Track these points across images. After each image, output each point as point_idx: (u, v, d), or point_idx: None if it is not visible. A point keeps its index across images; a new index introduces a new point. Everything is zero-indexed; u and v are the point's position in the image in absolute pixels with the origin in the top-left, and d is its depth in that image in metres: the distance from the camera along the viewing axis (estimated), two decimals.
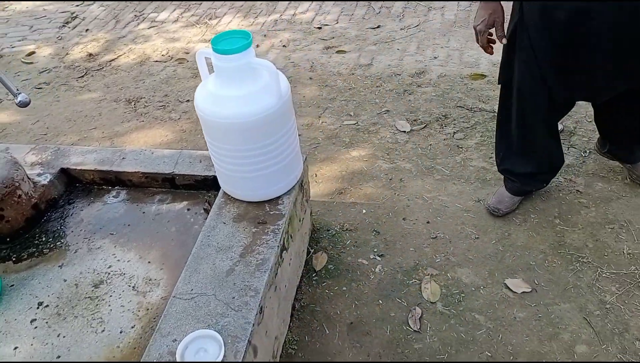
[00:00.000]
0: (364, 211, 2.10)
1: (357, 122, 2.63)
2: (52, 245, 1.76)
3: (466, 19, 3.52)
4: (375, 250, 1.92)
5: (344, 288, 1.79)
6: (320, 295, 1.77)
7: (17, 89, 1.49)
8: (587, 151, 2.28)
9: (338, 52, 3.31)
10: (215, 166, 1.68)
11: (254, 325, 1.33)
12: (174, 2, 4.22)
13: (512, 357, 1.54)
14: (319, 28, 3.63)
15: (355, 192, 2.20)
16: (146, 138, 2.66)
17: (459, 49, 3.19)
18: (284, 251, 1.62)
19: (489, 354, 1.55)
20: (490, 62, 3.01)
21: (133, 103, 2.99)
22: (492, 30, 1.65)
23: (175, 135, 2.68)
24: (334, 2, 3.96)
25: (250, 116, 1.44)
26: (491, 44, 1.69)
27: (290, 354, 1.62)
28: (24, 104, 1.49)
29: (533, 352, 1.54)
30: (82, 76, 3.33)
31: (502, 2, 1.61)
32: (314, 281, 1.82)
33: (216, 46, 1.42)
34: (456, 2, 3.77)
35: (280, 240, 1.56)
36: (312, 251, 1.92)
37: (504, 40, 1.64)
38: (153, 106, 2.94)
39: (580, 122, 2.47)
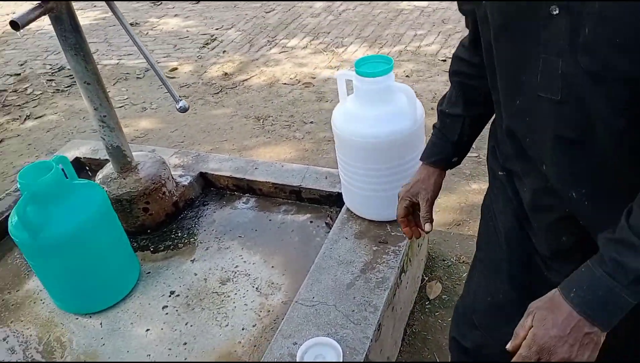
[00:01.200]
0: None
1: (478, 155, 2.61)
2: (186, 241, 1.92)
3: None
4: None
5: None
6: (433, 324, 1.76)
7: (179, 97, 1.67)
8: None
9: None
10: (342, 182, 1.75)
11: (372, 340, 1.36)
12: (304, 31, 4.46)
13: None
14: (444, 61, 3.66)
15: (474, 225, 2.17)
16: (272, 154, 2.83)
17: None
18: (403, 274, 1.64)
19: None
20: None
21: (261, 121, 3.19)
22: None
23: (298, 153, 2.81)
24: (459, 36, 3.97)
25: (386, 136, 1.51)
26: (410, 224, 1.24)
27: None
28: (183, 110, 1.67)
29: None
30: (217, 93, 3.62)
31: (439, 178, 1.22)
32: (426, 309, 1.82)
33: (359, 69, 1.51)
34: None
35: (401, 261, 1.59)
36: (426, 279, 1.92)
37: (427, 227, 1.19)
38: (279, 124, 3.12)
39: None
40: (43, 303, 1.75)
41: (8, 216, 1.64)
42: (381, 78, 1.49)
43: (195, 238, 1.93)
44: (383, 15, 4.53)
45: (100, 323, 1.64)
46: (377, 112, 1.52)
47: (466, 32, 1.13)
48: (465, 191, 2.37)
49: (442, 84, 3.34)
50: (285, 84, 3.61)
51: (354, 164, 1.62)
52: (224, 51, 4.27)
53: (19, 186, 1.44)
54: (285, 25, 4.60)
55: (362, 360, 1.30)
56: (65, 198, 1.50)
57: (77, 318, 1.67)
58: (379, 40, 4.09)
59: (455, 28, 4.11)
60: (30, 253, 1.55)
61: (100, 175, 1.92)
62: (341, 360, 1.28)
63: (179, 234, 1.95)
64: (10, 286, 1.85)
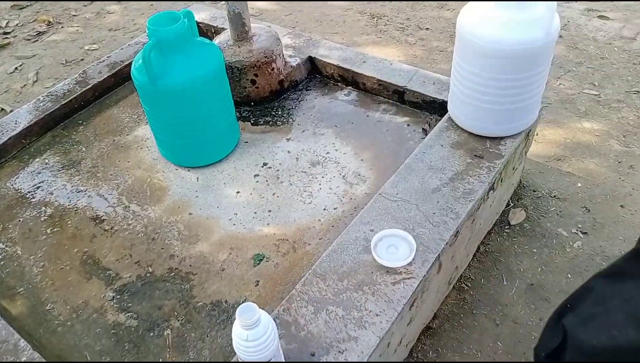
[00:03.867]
0: (579, 184, 1.97)
1: (599, 94, 2.42)
2: (285, 120, 1.99)
3: None
4: (579, 226, 1.82)
5: (535, 250, 1.75)
6: (508, 247, 1.76)
7: None
8: None
9: (600, 17, 3.00)
10: (452, 88, 1.69)
11: (447, 243, 1.39)
12: None
13: None
14: None
15: (575, 163, 2.07)
16: (380, 54, 2.77)
17: None
18: (491, 191, 1.62)
19: None
20: None
21: (376, 19, 3.11)
22: None
23: (407, 58, 2.74)
24: None
25: (515, 45, 1.41)
26: None
27: (462, 289, 1.66)
28: None
29: None
30: None
31: None
32: (505, 233, 1.81)
33: None
34: None
35: (492, 178, 1.57)
36: (512, 205, 1.89)
37: None
38: (393, 25, 3.02)
39: None
40: (149, 149, 1.92)
41: (131, 63, 1.76)
42: None
43: (294, 119, 1.99)
44: None
45: (197, 178, 1.79)
46: (509, 15, 1.42)
47: None
48: (575, 128, 2.24)
49: (578, 12, 3.05)
50: None
51: (471, 70, 1.55)
52: None
53: (147, 31, 1.54)
54: None
55: (433, 258, 1.34)
56: (186, 51, 1.59)
57: (176, 169, 1.83)
58: None
59: None
60: (147, 98, 1.67)
61: (217, 40, 1.99)
62: (413, 254, 1.33)
63: (279, 112, 2.02)
64: (122, 129, 2.03)
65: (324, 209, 1.65)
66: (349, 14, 3.19)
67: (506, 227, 1.82)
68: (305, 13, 3.23)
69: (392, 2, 3.27)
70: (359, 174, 1.74)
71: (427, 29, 2.96)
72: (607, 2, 3.12)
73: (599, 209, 1.87)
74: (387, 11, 3.17)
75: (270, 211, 1.66)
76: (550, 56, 1.52)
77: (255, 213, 1.66)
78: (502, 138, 1.67)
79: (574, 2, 3.14)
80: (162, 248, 1.57)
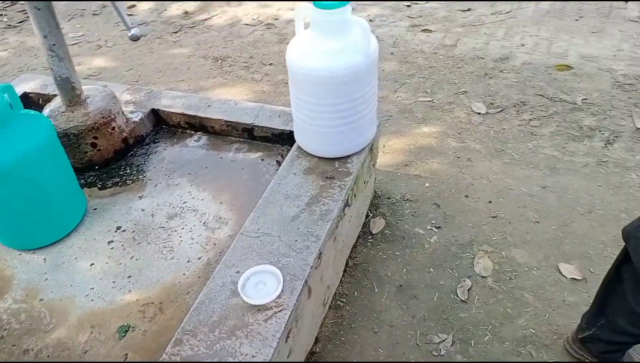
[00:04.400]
0: (427, 184, 2.14)
1: (432, 100, 2.66)
2: (134, 177, 1.93)
3: (561, 10, 3.40)
4: (433, 222, 1.97)
5: (398, 253, 1.86)
6: (374, 256, 1.85)
7: (132, 24, 1.64)
8: None
9: (423, 30, 3.31)
10: (294, 118, 1.77)
11: (312, 267, 1.43)
12: None
13: (555, 337, 1.56)
14: (408, 6, 3.64)
15: (421, 166, 2.24)
16: (228, 95, 2.81)
17: (548, 38, 3.11)
18: (347, 207, 1.70)
19: (533, 331, 1.58)
20: (579, 54, 2.92)
21: (220, 61, 3.15)
22: None
23: (255, 95, 2.81)
24: None
25: (338, 71, 1.51)
26: None
27: (339, 306, 1.71)
28: (135, 38, 1.63)
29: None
30: (176, 32, 3.54)
31: None
32: (369, 243, 1.90)
33: (317, 0, 1.50)
34: None
35: (345, 195, 1.65)
36: (371, 215, 2.00)
37: None
38: (238, 65, 3.09)
39: None
40: None
41: None
42: (338, 10, 1.49)
43: (144, 175, 1.94)
44: None
45: (44, 259, 1.64)
46: (331, 45, 1.53)
47: None
48: (416, 134, 2.43)
49: (404, 30, 3.33)
50: (247, 24, 3.55)
51: (305, 99, 1.64)
52: None
53: None
54: None
55: (301, 285, 1.37)
56: (9, 127, 1.49)
57: (20, 254, 1.67)
58: None
59: None
60: None
61: (47, 109, 1.90)
62: (281, 286, 1.34)
63: (128, 171, 1.96)
64: None
65: (188, 261, 1.61)
66: (192, 60, 3.20)
67: (369, 237, 1.92)
68: (146, 65, 3.19)
69: (234, 43, 3.34)
70: (220, 218, 1.74)
71: (270, 64, 3.06)
72: (428, 16, 3.46)
73: (447, 204, 2.04)
74: (230, 52, 3.23)
75: (130, 276, 1.58)
76: (375, 76, 1.64)
77: (114, 282, 1.57)
78: (348, 157, 1.76)
79: (400, 21, 3.44)
80: (14, 345, 1.43)
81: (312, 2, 1.52)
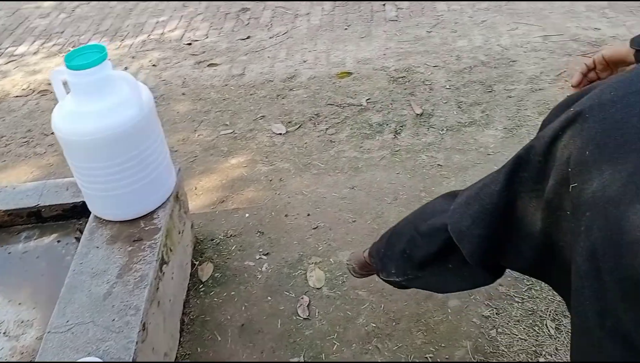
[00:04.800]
0: (247, 215, 2.13)
1: (233, 131, 2.66)
2: None
3: (330, 22, 3.68)
4: (260, 250, 1.96)
5: (233, 293, 1.81)
6: (209, 304, 1.77)
7: None
8: (445, 129, 2.48)
9: (210, 65, 3.32)
10: (81, 189, 1.63)
11: (137, 343, 1.31)
12: (33, 34, 4.01)
13: (394, 323, 1.64)
14: (189, 44, 3.63)
15: (237, 198, 2.23)
16: (9, 178, 2.51)
17: (325, 51, 3.33)
18: (164, 265, 1.61)
19: (374, 325, 1.64)
20: (355, 59, 3.18)
21: None
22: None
23: (41, 170, 2.55)
24: (202, 18, 3.97)
25: (112, 129, 1.43)
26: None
27: None
28: None
29: (412, 314, 1.66)
30: None
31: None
32: (201, 293, 1.82)
33: (70, 63, 1.40)
34: (320, 7, 3.93)
35: (158, 254, 1.55)
36: (197, 263, 1.92)
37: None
38: (15, 143, 2.78)
39: (437, 104, 2.68)
40: None
41: None
42: (95, 69, 1.40)
43: None
44: (121, 6, 4.30)
45: None
46: (97, 106, 1.43)
47: None
48: (225, 168, 2.41)
49: (190, 68, 3.31)
50: (17, 96, 3.22)
51: (86, 166, 1.52)
52: None
53: None
54: (10, 31, 4.09)
55: None
56: None
57: None
58: (120, 33, 3.88)
59: (197, 10, 4.09)
60: None
61: None
62: None
63: None
64: None
65: None
66: None
67: (200, 286, 1.84)
68: None
69: (6, 119, 3.00)
70: (22, 321, 1.52)
71: (52, 133, 2.80)
72: (211, 51, 3.48)
73: (270, 229, 2.05)
74: (2, 131, 2.90)
75: None
76: (156, 125, 1.58)
77: None
78: (153, 212, 1.67)
79: (185, 60, 3.41)
80: None
81: (65, 65, 1.41)
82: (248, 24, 3.82)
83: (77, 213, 1.80)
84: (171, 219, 1.72)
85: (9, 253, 1.74)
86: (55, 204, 1.78)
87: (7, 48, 3.85)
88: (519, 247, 1.08)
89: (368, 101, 2.77)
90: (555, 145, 0.92)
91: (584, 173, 0.83)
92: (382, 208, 2.08)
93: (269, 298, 1.78)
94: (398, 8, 3.79)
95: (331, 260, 1.88)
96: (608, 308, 0.80)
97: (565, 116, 0.91)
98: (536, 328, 1.61)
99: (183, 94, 3.04)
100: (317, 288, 1.78)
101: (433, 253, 1.25)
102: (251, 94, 2.97)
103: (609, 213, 0.77)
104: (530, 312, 1.65)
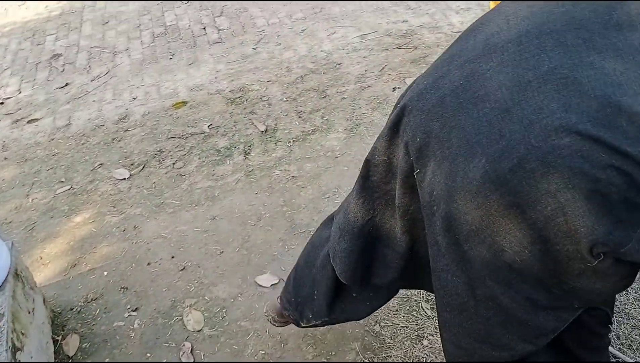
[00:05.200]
0: (106, 273, 1.96)
1: (71, 186, 2.45)
2: None
3: (153, 54, 3.56)
4: (128, 307, 1.82)
5: (107, 360, 1.65)
6: None
7: None
8: (291, 141, 2.54)
9: (30, 122, 3.02)
10: None
11: None
12: None
13: (282, 344, 1.63)
14: (1, 103, 3.26)
15: (91, 258, 2.05)
16: None
17: (155, 84, 3.21)
18: (19, 352, 1.42)
19: (263, 352, 1.61)
20: (187, 87, 3.11)
21: None
22: None
23: None
24: (10, 73, 3.60)
25: None
26: None
27: None
28: None
29: (298, 331, 1.66)
30: None
31: None
32: None
33: None
34: (139, 40, 3.79)
35: (8, 342, 1.37)
36: (59, 338, 1.73)
37: None
38: None
39: (278, 118, 2.73)
40: None
41: None
42: None
43: None
44: None
45: None
46: None
47: None
48: (71, 229, 2.21)
49: (7, 129, 2.98)
50: None
51: None
52: None
53: None
54: None
55: None
56: None
57: None
58: None
59: (2, 65, 3.70)
60: None
61: None
62: None
63: None
64: None
65: None
66: None
67: (69, 362, 1.66)
68: None
69: None
70: None
71: None
72: (28, 106, 3.17)
73: (134, 281, 1.91)
74: None
75: None
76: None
77: None
78: None
79: (0, 122, 3.06)
80: None
81: None
82: (63, 70, 3.55)
83: None
84: (14, 300, 1.53)
85: None
86: None
87: None
88: (385, 257, 1.12)
89: (210, 126, 2.73)
90: (394, 140, 0.98)
91: (421, 157, 0.90)
92: (247, 232, 2.06)
93: (149, 354, 1.65)
94: (219, 29, 3.79)
95: (206, 297, 1.81)
96: (473, 277, 0.87)
97: (394, 113, 0.97)
98: (414, 313, 1.70)
99: (5, 158, 2.73)
100: (198, 331, 1.70)
101: (332, 284, 1.24)
102: (83, 144, 2.75)
103: (449, 187, 0.83)
104: (405, 299, 1.74)
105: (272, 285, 1.82)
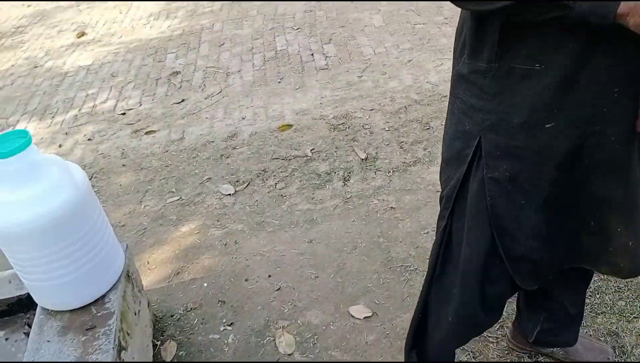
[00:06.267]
0: (206, 284, 2.05)
1: (180, 197, 2.60)
2: None
3: (263, 77, 3.72)
4: (224, 321, 1.88)
5: None
6: None
7: None
8: (391, 171, 2.53)
9: (147, 133, 3.26)
10: (23, 281, 1.53)
11: None
12: None
13: None
14: (123, 114, 3.55)
15: (193, 268, 2.15)
16: None
17: (263, 106, 3.35)
18: (123, 351, 1.51)
19: None
20: (293, 111, 3.21)
21: None
22: None
23: None
24: (133, 86, 3.92)
25: (46, 216, 1.35)
26: None
27: None
28: None
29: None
30: None
31: None
32: None
33: None
34: (251, 63, 3.98)
35: (115, 340, 1.46)
36: (158, 343, 1.82)
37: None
38: None
39: (379, 147, 2.73)
40: None
41: None
42: (19, 156, 1.33)
43: None
44: (47, 83, 4.18)
45: None
46: (27, 193, 1.36)
47: None
48: (177, 238, 2.33)
49: (127, 138, 3.23)
50: None
51: (25, 257, 1.43)
52: None
53: None
54: None
55: None
56: None
57: None
58: (49, 110, 3.76)
59: (126, 79, 4.04)
60: None
61: None
62: None
63: None
64: None
65: None
66: None
67: None
68: None
69: None
70: None
71: None
72: (147, 118, 3.42)
73: (231, 296, 1.98)
74: None
75: None
76: (95, 203, 1.52)
77: None
78: (104, 296, 1.58)
79: (120, 131, 3.33)
80: None
81: None
82: (180, 87, 3.80)
83: (23, 306, 1.68)
84: (124, 300, 1.63)
85: None
86: None
87: None
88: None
89: (312, 150, 2.79)
90: None
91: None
92: (342, 259, 2.06)
93: None
94: (327, 56, 3.89)
95: (299, 321, 1.83)
96: None
97: None
98: None
99: (123, 165, 2.96)
100: (289, 354, 1.72)
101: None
102: (194, 158, 2.92)
103: None
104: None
105: (365, 317, 1.81)
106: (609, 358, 1.58)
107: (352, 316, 1.82)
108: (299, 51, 4.01)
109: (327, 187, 2.50)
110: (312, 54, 3.96)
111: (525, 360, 1.57)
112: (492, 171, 1.09)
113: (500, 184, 1.09)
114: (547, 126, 1.01)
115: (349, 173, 2.58)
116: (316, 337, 1.76)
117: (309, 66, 3.79)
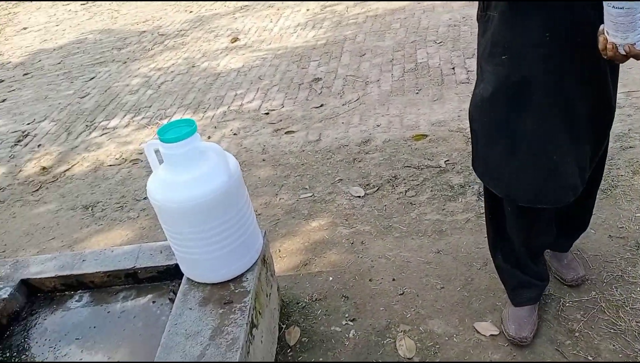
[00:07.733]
0: (331, 278, 2.12)
1: (313, 194, 2.71)
2: (17, 360, 1.70)
3: (401, 87, 3.75)
4: (346, 315, 1.93)
5: (321, 359, 1.78)
6: None
7: None
8: None
9: (287, 133, 3.44)
10: (175, 252, 1.70)
11: None
12: (124, 109, 4.34)
13: None
14: (267, 114, 3.79)
15: (320, 261, 2.23)
16: (106, 241, 2.66)
17: (398, 115, 3.38)
18: (254, 328, 1.61)
19: None
20: (429, 122, 3.20)
21: (90, 208, 2.99)
22: None
23: (135, 233, 2.68)
24: (277, 89, 4.17)
25: (203, 197, 1.50)
26: None
27: None
28: None
29: None
30: (37, 190, 3.33)
31: None
32: (289, 357, 1.80)
33: (163, 136, 1.50)
34: (390, 73, 4.03)
35: (249, 316, 1.57)
36: (284, 326, 1.91)
37: None
38: (110, 208, 2.95)
39: None
40: None
41: None
42: (186, 141, 1.50)
43: (27, 354, 1.71)
44: (202, 82, 4.59)
45: None
46: (189, 175, 1.52)
47: None
48: (307, 231, 2.44)
49: (268, 136, 3.44)
50: (111, 165, 3.45)
51: (179, 231, 1.59)
52: (39, 145, 3.97)
53: None
54: (103, 107, 4.44)
55: None
56: None
57: None
58: (202, 106, 4.12)
59: (272, 82, 4.30)
60: None
61: None
62: None
63: (7, 354, 1.72)
64: None
65: None
66: (60, 214, 3.01)
67: (288, 350, 1.82)
68: (11, 232, 2.93)
69: (102, 186, 3.22)
70: None
71: (145, 198, 2.97)
72: (287, 119, 3.62)
73: (355, 293, 2.02)
74: (99, 197, 3.09)
75: None
76: (243, 191, 1.64)
77: None
78: (242, 275, 1.70)
79: (263, 129, 3.56)
80: None
81: (158, 138, 1.51)
82: (321, 93, 3.96)
83: (170, 275, 1.86)
84: (259, 282, 1.74)
85: (108, 312, 1.81)
86: (150, 267, 1.86)
87: (101, 122, 4.17)
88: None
89: (447, 162, 2.76)
90: None
91: None
92: (471, 273, 2.01)
93: None
94: (468, 70, 3.81)
95: (421, 328, 1.82)
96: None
97: None
98: None
99: (263, 160, 3.15)
100: (409, 358, 1.72)
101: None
102: (328, 159, 3.03)
103: None
104: None
105: (490, 335, 1.75)
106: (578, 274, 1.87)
107: (477, 332, 1.77)
108: (439, 64, 3.98)
109: (460, 200, 2.46)
110: (453, 68, 3.91)
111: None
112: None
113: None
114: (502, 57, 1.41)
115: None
116: (437, 346, 1.74)
117: (448, 79, 3.75)
